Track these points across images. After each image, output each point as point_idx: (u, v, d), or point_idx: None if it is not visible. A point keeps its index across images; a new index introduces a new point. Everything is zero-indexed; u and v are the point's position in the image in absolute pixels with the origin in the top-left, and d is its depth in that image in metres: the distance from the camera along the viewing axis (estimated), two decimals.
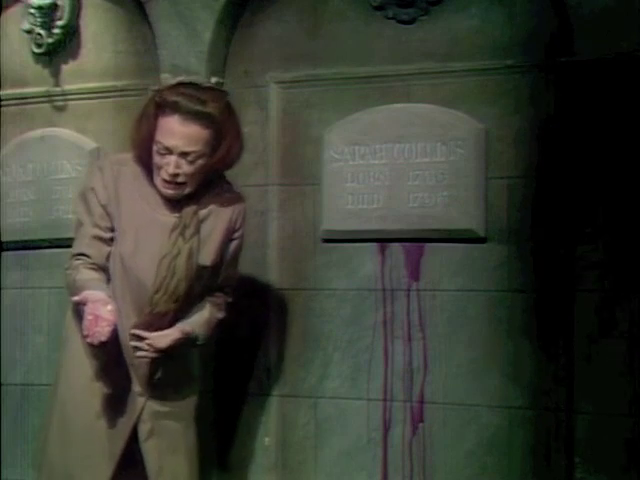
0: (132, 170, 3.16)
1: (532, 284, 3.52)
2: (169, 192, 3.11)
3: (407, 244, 3.66)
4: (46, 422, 3.26)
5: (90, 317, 2.93)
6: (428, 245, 3.63)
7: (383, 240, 3.68)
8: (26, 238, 4.08)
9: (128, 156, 3.19)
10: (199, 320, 3.19)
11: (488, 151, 3.56)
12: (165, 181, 3.08)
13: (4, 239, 4.11)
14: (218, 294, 3.28)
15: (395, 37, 3.70)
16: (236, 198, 3.26)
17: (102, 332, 2.92)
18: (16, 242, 4.10)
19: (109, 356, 3.10)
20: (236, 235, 3.24)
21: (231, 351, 3.86)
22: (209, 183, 3.17)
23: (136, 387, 3.14)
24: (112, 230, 3.13)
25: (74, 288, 3.07)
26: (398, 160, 3.65)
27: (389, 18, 3.71)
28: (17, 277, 4.14)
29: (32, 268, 4.09)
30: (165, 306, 3.10)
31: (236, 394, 3.86)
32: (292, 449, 3.81)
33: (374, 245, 3.70)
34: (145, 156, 3.11)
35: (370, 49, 3.72)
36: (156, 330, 3.08)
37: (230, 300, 3.32)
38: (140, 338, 3.07)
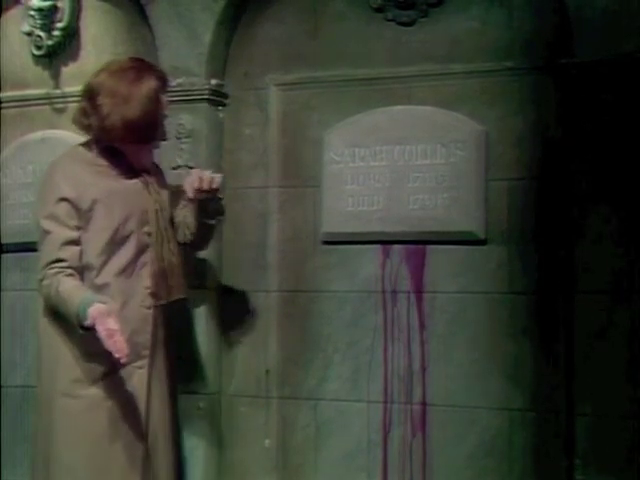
0: (84, 155, 3.26)
1: (532, 286, 3.52)
2: None
3: (407, 246, 3.66)
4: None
5: (105, 333, 2.97)
6: (428, 247, 3.63)
7: (383, 242, 3.68)
8: (26, 240, 4.05)
9: (74, 146, 3.32)
10: None
11: (488, 153, 3.57)
12: None
13: (4, 241, 4.10)
14: None
15: (395, 39, 3.70)
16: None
17: (123, 346, 2.97)
18: (16, 244, 4.09)
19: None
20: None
21: (231, 352, 3.87)
22: None
23: (134, 358, 3.15)
24: (79, 228, 3.17)
25: (60, 300, 3.11)
26: (398, 162, 3.65)
27: (389, 20, 3.71)
28: (17, 279, 4.14)
29: (32, 270, 4.03)
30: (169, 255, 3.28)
31: (236, 395, 3.86)
32: (292, 451, 3.80)
33: (374, 247, 3.69)
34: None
35: (370, 51, 3.72)
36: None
37: None
38: None
